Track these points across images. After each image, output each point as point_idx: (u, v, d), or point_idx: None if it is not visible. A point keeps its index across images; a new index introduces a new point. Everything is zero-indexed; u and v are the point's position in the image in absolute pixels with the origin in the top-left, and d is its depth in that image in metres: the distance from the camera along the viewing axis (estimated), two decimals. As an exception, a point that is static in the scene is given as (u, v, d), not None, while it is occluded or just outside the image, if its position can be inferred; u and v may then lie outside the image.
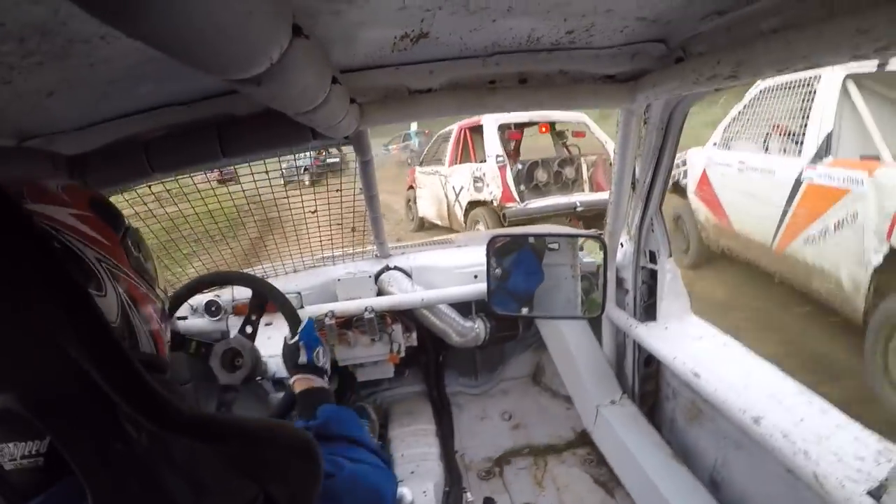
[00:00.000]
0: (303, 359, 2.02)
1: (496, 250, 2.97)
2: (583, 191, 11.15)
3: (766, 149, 7.52)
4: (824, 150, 6.28)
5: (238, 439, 0.87)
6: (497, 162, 10.80)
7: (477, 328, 3.59)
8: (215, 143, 2.05)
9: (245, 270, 3.47)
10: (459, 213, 12.34)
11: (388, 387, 4.12)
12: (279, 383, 2.53)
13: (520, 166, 11.07)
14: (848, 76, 6.02)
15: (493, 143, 11.04)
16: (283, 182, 3.04)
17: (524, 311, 3.00)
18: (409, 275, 3.60)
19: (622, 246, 2.92)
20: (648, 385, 3.16)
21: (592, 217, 10.28)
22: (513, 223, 9.73)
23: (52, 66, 1.10)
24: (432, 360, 4.06)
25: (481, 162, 11.47)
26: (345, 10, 1.24)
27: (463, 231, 11.73)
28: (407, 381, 4.12)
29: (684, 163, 9.54)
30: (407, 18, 1.41)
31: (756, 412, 2.00)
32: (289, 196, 3.19)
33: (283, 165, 3.02)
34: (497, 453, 3.71)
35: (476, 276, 3.51)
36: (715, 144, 8.84)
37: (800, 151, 6.66)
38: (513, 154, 11.66)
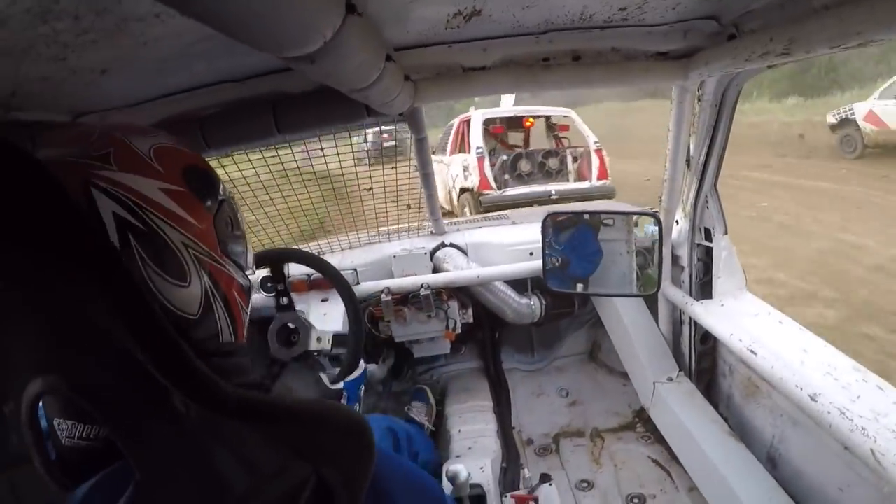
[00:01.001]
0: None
1: (552, 227, 2.97)
2: (567, 180, 11.89)
3: None
4: None
5: (289, 421, 0.88)
6: (476, 153, 11.71)
7: (533, 305, 3.60)
8: (270, 120, 2.07)
9: (301, 247, 3.51)
10: (455, 198, 13.08)
11: (445, 363, 4.15)
12: (335, 359, 2.56)
13: (505, 157, 11.71)
14: None
15: (476, 136, 12.00)
16: (352, 160, 3.05)
17: (579, 288, 2.99)
18: (464, 251, 3.61)
19: (677, 223, 2.91)
20: (705, 362, 3.14)
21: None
22: (489, 208, 10.05)
23: (107, 44, 1.11)
24: (488, 337, 4.07)
25: (470, 153, 12.22)
26: (398, -13, 1.25)
27: (458, 213, 12.49)
28: (463, 357, 4.15)
29: (852, 111, 16.95)
30: (460, -4, 1.41)
31: (812, 389, 1.99)
32: (343, 173, 3.20)
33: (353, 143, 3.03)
34: (554, 430, 3.71)
35: (531, 254, 3.51)
36: (874, 99, 16.37)
37: None
38: (502, 145, 12.39)
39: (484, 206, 10.83)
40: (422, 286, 3.27)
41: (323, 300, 2.95)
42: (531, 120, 12.80)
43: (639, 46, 2.00)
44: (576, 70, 2.05)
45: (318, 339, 2.40)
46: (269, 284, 2.96)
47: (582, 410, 3.85)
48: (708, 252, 2.80)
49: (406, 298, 3.43)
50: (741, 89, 2.25)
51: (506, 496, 2.51)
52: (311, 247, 3.60)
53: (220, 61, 1.65)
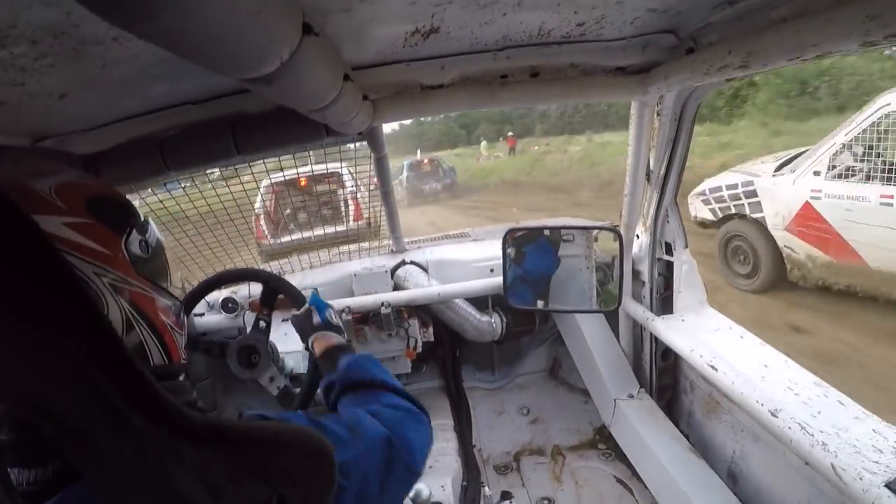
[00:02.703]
0: (317, 319, 2.00)
1: (512, 243, 2.97)
2: (343, 224, 12.34)
3: None
4: None
5: (250, 445, 0.87)
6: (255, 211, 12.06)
7: (493, 322, 3.59)
8: (229, 141, 2.06)
9: (261, 267, 3.49)
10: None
11: (406, 382, 4.09)
12: (296, 379, 2.53)
13: (288, 211, 12.29)
14: None
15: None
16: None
17: (540, 304, 2.99)
18: (425, 269, 3.60)
19: (638, 237, 2.91)
20: (666, 378, 3.15)
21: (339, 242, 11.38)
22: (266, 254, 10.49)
23: (65, 68, 1.10)
24: (449, 355, 4.04)
25: None
26: (355, 7, 1.24)
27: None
28: (424, 376, 4.12)
29: (751, 192, 8.59)
30: (418, 14, 1.41)
31: (773, 405, 2.00)
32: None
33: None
34: (515, 448, 3.71)
35: (492, 270, 3.50)
36: (818, 174, 7.61)
37: None
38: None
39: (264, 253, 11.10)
40: (382, 304, 3.23)
41: (284, 320, 2.93)
42: (302, 180, 13.14)
43: (597, 61, 2.00)
44: (534, 86, 2.05)
45: (272, 381, 2.41)
46: (229, 305, 2.91)
47: (543, 428, 3.84)
48: (669, 266, 2.82)
49: (367, 317, 3.40)
50: (700, 103, 2.26)
51: None
52: (272, 266, 3.58)
53: (178, 83, 1.64)
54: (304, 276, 3.58)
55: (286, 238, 10.93)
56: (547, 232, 3.10)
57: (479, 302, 3.59)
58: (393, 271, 3.54)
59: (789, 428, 1.90)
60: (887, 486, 1.58)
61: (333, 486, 0.99)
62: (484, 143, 46.53)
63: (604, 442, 3.54)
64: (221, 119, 2.03)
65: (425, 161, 29.27)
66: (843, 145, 7.31)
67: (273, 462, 0.89)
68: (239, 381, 2.50)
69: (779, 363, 2.27)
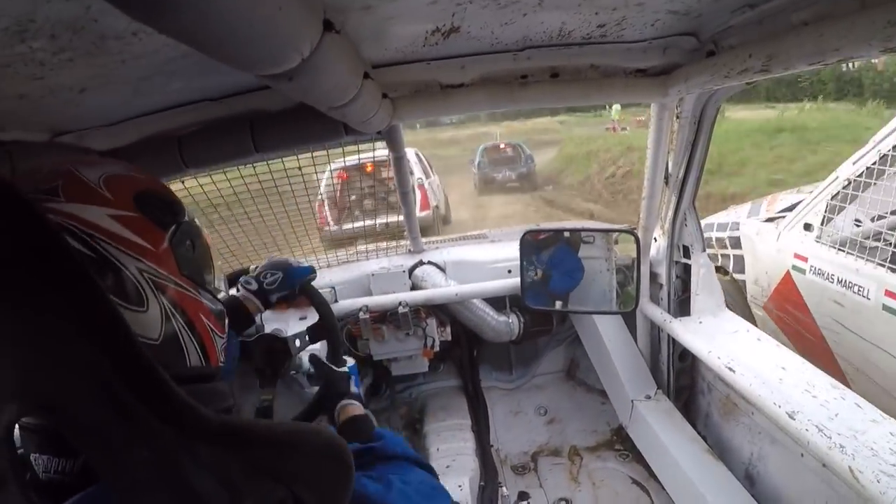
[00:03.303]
0: (354, 389, 2.04)
1: (530, 245, 2.97)
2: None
3: None
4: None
5: (267, 445, 0.87)
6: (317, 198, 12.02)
7: (511, 322, 3.59)
8: (248, 139, 2.07)
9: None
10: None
11: (423, 381, 4.13)
12: (313, 377, 2.53)
13: (353, 197, 12.20)
14: None
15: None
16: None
17: (558, 305, 2.99)
18: (442, 269, 3.60)
19: (656, 240, 2.91)
20: (683, 380, 3.14)
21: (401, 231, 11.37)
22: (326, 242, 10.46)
23: (84, 63, 1.10)
24: (466, 355, 4.05)
25: None
26: (376, 5, 1.24)
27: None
28: (441, 375, 4.13)
29: (736, 241, 5.36)
30: (438, 13, 1.41)
31: (791, 407, 1.99)
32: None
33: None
34: (532, 448, 3.71)
35: (510, 271, 3.50)
36: (809, 228, 4.35)
37: None
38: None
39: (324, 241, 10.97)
40: (400, 304, 3.25)
41: (301, 318, 2.93)
42: (369, 166, 12.90)
43: (617, 63, 2.00)
44: (554, 87, 2.06)
45: (296, 372, 2.42)
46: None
47: (560, 429, 3.83)
48: (686, 269, 2.81)
49: (384, 316, 3.41)
50: (720, 106, 2.26)
51: None
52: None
53: (197, 80, 1.64)
54: (321, 275, 3.57)
55: (349, 225, 10.90)
56: (566, 234, 3.10)
57: (497, 302, 3.60)
58: (411, 271, 3.55)
59: (807, 430, 1.90)
60: (905, 488, 1.58)
61: (350, 488, 0.98)
62: (616, 106, 32.15)
63: (621, 443, 3.53)
64: (240, 116, 2.03)
65: (502, 146, 26.77)
66: (851, 182, 3.99)
67: (289, 462, 0.89)
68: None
69: (796, 365, 2.26)
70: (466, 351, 4.03)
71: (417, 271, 3.54)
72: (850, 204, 3.92)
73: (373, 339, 3.41)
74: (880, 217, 3.85)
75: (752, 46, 1.48)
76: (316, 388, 2.32)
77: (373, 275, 3.47)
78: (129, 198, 0.96)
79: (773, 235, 4.78)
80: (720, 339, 2.56)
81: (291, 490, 0.87)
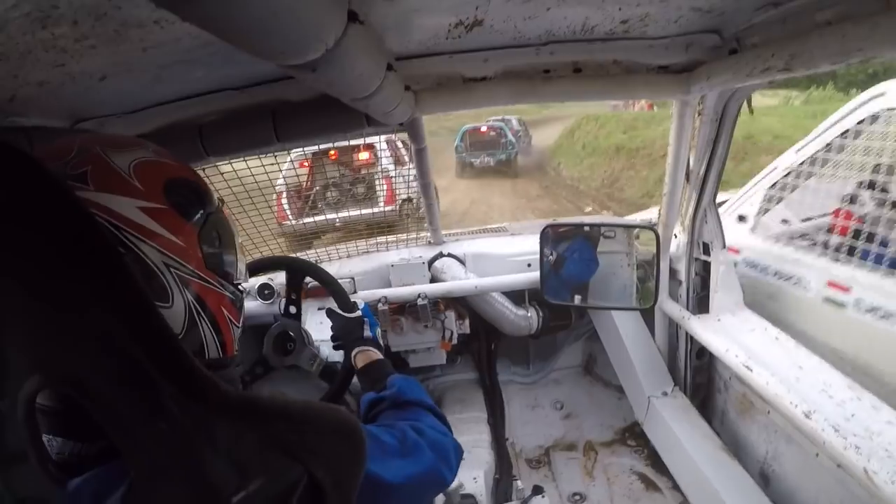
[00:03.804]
0: (368, 333, 2.03)
1: (550, 239, 2.97)
2: (378, 205, 11.79)
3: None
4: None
5: (282, 422, 0.88)
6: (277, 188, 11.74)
7: (530, 317, 3.59)
8: (270, 128, 2.07)
9: (298, 255, 3.51)
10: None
11: (441, 373, 4.15)
12: (328, 367, 2.55)
13: (317, 187, 11.89)
14: None
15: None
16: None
17: (577, 300, 2.99)
18: (462, 262, 3.60)
19: (676, 237, 2.91)
20: (700, 377, 3.14)
21: (367, 229, 10.94)
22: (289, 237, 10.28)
23: (106, 50, 1.10)
24: (484, 348, 4.06)
25: None
26: (400, -5, 1.25)
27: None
28: (459, 368, 4.14)
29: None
30: (462, 6, 1.42)
31: (807, 406, 1.99)
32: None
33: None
34: (548, 442, 3.73)
35: (529, 265, 3.50)
36: (743, 220, 3.88)
37: None
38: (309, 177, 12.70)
39: (284, 235, 10.72)
40: (419, 296, 3.26)
41: (319, 308, 2.94)
42: (333, 153, 12.53)
43: (640, 59, 2.00)
44: (576, 82, 2.05)
45: (311, 362, 2.42)
46: (265, 292, 2.93)
47: (576, 423, 3.85)
48: (706, 266, 2.81)
49: (403, 308, 3.42)
50: (742, 104, 2.25)
51: None
52: (309, 255, 3.60)
53: (219, 69, 1.65)
54: (341, 265, 3.59)
55: (311, 219, 10.72)
56: (587, 229, 3.10)
57: (516, 296, 3.59)
58: (430, 263, 3.55)
59: (822, 430, 1.90)
60: (919, 490, 1.58)
61: (363, 466, 0.99)
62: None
63: (636, 439, 3.55)
64: (262, 106, 2.04)
65: (483, 129, 25.23)
66: (792, 171, 3.64)
67: (304, 440, 0.90)
68: (272, 367, 2.53)
69: (813, 365, 2.26)
70: (484, 344, 4.04)
71: (437, 263, 3.54)
72: (792, 193, 3.58)
73: (391, 330, 3.42)
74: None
75: (775, 45, 1.47)
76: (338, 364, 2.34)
77: (392, 266, 3.47)
78: (159, 187, 0.96)
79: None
80: (738, 338, 2.55)
81: (307, 470, 0.87)
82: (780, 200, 3.71)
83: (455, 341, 3.55)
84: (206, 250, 1.04)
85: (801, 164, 3.51)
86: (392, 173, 12.04)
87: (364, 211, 10.95)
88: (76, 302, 0.72)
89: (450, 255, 3.58)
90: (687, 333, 3.01)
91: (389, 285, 3.44)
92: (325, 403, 1.02)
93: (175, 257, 0.95)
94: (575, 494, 3.21)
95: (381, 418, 1.52)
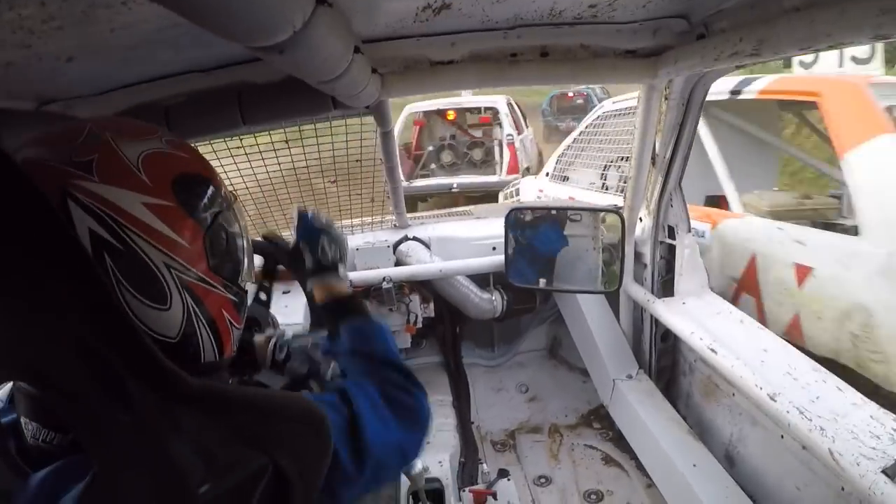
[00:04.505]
0: (308, 262, 1.69)
1: (515, 222, 2.98)
2: (495, 173, 12.01)
3: (605, 184, 6.31)
4: None
5: (247, 412, 0.87)
6: None
7: (494, 300, 3.62)
8: (236, 111, 2.05)
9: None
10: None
11: (405, 357, 4.09)
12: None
13: (431, 148, 11.72)
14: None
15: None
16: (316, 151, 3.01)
17: (542, 283, 2.99)
18: (427, 245, 3.62)
19: (641, 220, 2.92)
20: (665, 360, 3.17)
21: (480, 198, 11.05)
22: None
23: (73, 31, 1.09)
24: (449, 332, 4.07)
25: None
26: (368, -23, 1.24)
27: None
28: (424, 351, 4.15)
29: (517, 192, 9.30)
30: (430, -12, 1.41)
31: (772, 389, 2.01)
32: (308, 165, 3.16)
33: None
34: (513, 425, 3.75)
35: (494, 248, 3.51)
36: (548, 175, 8.03)
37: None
38: (461, 132, 12.72)
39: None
40: (384, 279, 3.26)
41: (285, 292, 2.93)
42: (451, 113, 12.59)
43: (607, 44, 2.01)
44: (543, 66, 2.06)
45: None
46: None
47: (541, 406, 3.87)
48: (671, 250, 2.82)
49: (368, 291, 3.42)
50: (708, 89, 2.26)
51: (464, 490, 2.52)
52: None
53: (186, 51, 1.63)
54: (303, 248, 3.58)
55: (422, 182, 10.47)
56: (553, 212, 3.11)
57: (481, 279, 3.62)
58: (395, 246, 3.56)
59: (787, 412, 1.91)
60: (884, 471, 1.59)
61: (329, 455, 0.98)
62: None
63: (601, 422, 3.57)
64: (228, 88, 2.01)
65: (570, 94, 23.51)
66: (567, 146, 7.59)
67: (268, 429, 0.89)
68: None
69: (778, 348, 2.28)
70: (449, 327, 4.05)
71: (402, 247, 3.55)
72: (565, 159, 7.65)
73: (356, 314, 3.38)
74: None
75: (743, 30, 1.48)
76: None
77: (357, 249, 3.46)
78: (167, 183, 0.93)
79: (532, 182, 8.70)
80: (703, 321, 2.57)
81: (272, 459, 0.86)
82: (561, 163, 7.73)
83: (420, 325, 3.58)
84: (212, 252, 1.00)
85: (570, 143, 7.57)
86: (515, 140, 12.03)
87: (487, 178, 11.10)
88: (34, 292, 0.70)
89: (415, 238, 3.60)
90: (652, 316, 3.03)
91: (354, 269, 3.43)
92: (289, 392, 1.02)
93: (177, 258, 0.92)
94: (540, 477, 3.23)
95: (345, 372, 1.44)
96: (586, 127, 7.22)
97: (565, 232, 2.96)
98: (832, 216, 4.39)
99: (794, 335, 3.72)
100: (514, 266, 3.01)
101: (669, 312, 2.72)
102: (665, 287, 2.93)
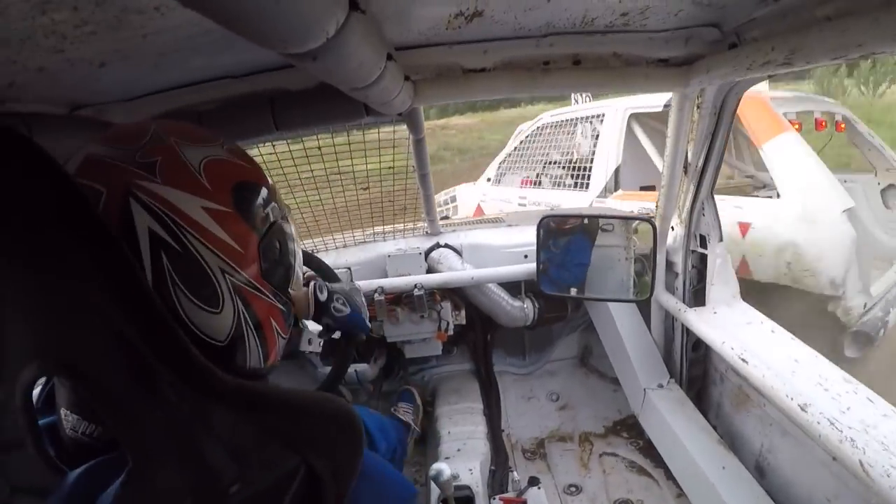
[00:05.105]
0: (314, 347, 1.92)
1: (547, 230, 2.98)
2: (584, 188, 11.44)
3: (538, 183, 8.53)
4: (613, 183, 7.18)
5: (281, 411, 0.88)
6: None
7: (526, 308, 3.60)
8: (269, 117, 2.07)
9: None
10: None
11: (436, 364, 4.15)
12: (326, 357, 2.54)
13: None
14: (631, 115, 7.14)
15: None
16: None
17: (573, 292, 2.99)
18: (459, 252, 3.61)
19: (673, 229, 2.91)
20: (696, 370, 3.15)
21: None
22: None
23: (105, 37, 1.09)
24: (480, 339, 4.06)
25: None
26: (400, -15, 1.25)
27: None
28: (455, 358, 4.15)
29: (453, 199, 10.57)
30: (462, -4, 1.41)
31: (803, 399, 2.00)
32: (341, 171, 3.18)
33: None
34: (543, 434, 3.72)
35: (526, 256, 3.51)
36: (489, 180, 9.84)
37: (587, 185, 7.51)
38: None
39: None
40: (415, 286, 3.27)
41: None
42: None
43: (640, 52, 2.00)
44: (576, 74, 2.05)
45: (310, 342, 2.40)
46: None
47: (572, 415, 3.85)
48: (702, 259, 2.81)
49: (399, 298, 3.42)
50: (741, 97, 2.25)
51: (494, 499, 2.51)
52: (305, 244, 3.59)
53: (218, 57, 1.65)
54: (338, 255, 3.60)
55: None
56: (585, 221, 3.11)
57: (512, 287, 3.60)
58: (427, 254, 3.56)
59: (818, 423, 1.90)
60: (914, 484, 1.59)
61: (361, 456, 0.99)
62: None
63: (632, 431, 3.55)
64: (261, 94, 2.03)
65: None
66: (508, 154, 9.61)
67: (302, 429, 0.90)
68: None
69: (809, 358, 2.26)
70: (480, 335, 4.04)
71: (434, 254, 3.55)
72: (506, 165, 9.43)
73: (387, 320, 3.43)
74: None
75: (775, 39, 1.48)
76: (328, 369, 2.32)
77: (389, 256, 3.48)
78: (227, 189, 0.96)
79: (469, 188, 10.19)
80: (734, 330, 2.56)
81: (304, 460, 0.88)
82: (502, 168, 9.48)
83: (451, 332, 3.56)
84: (266, 260, 1.02)
85: (509, 153, 9.39)
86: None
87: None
88: (73, 287, 0.72)
89: (446, 245, 3.60)
90: (683, 326, 3.01)
91: (386, 275, 3.46)
92: (322, 393, 1.03)
93: (232, 263, 0.94)
94: (571, 486, 3.22)
95: None
96: (526, 137, 9.15)
97: (597, 241, 2.95)
98: (749, 191, 6.61)
99: (743, 271, 5.57)
100: (545, 274, 3.01)
101: (701, 322, 2.71)
102: (696, 296, 2.91)
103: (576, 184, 7.63)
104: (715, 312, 2.74)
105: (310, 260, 2.35)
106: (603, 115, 7.39)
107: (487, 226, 4.10)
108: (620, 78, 2.07)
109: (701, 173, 2.55)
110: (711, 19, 1.80)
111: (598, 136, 7.47)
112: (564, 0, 1.53)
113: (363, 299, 2.08)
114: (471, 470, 2.79)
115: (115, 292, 0.73)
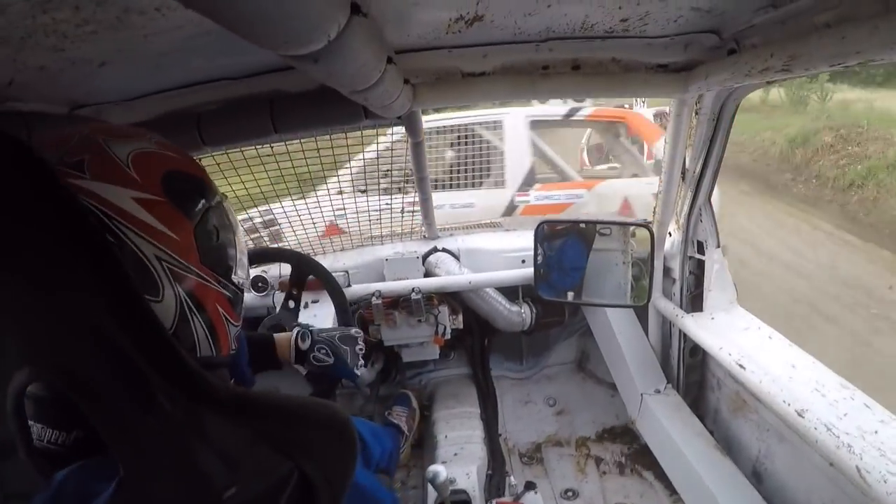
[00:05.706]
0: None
1: (544, 235, 2.98)
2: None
3: (439, 187, 8.34)
4: (530, 180, 7.84)
5: (273, 416, 0.88)
6: None
7: (523, 313, 3.60)
8: (267, 119, 2.07)
9: (292, 247, 3.51)
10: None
11: (434, 368, 4.15)
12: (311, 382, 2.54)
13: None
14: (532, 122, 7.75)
15: None
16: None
17: (570, 297, 3.00)
18: (456, 257, 3.60)
19: (670, 235, 2.91)
20: (693, 375, 3.15)
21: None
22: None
23: (106, 37, 1.10)
24: (478, 344, 4.06)
25: None
26: (401, -12, 1.25)
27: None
28: (452, 363, 4.15)
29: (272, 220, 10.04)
30: (462, 0, 1.42)
31: (800, 405, 2.00)
32: (339, 175, 3.18)
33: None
34: (540, 438, 3.72)
35: (524, 261, 3.49)
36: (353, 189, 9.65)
37: (503, 184, 7.94)
38: None
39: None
40: (413, 290, 3.27)
41: (313, 301, 2.95)
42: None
43: (639, 58, 2.01)
44: (575, 79, 2.06)
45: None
46: (259, 284, 2.93)
47: (569, 420, 3.85)
48: (700, 265, 2.82)
49: (397, 302, 3.42)
50: (739, 104, 2.26)
51: (491, 502, 2.51)
52: (303, 246, 3.59)
53: (219, 58, 1.65)
54: (335, 258, 3.59)
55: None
56: (582, 226, 3.11)
57: (510, 292, 3.60)
58: (424, 257, 3.55)
59: (815, 429, 1.90)
60: (912, 489, 1.59)
61: (355, 463, 0.99)
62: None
63: (629, 436, 3.55)
64: (260, 96, 2.03)
65: None
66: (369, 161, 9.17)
67: (296, 435, 0.90)
68: None
69: (806, 364, 2.27)
70: (478, 340, 4.04)
71: (431, 258, 3.54)
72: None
73: (385, 324, 3.42)
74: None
75: (774, 46, 1.48)
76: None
77: (387, 260, 3.48)
78: (156, 179, 0.95)
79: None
80: (731, 336, 2.56)
81: (297, 466, 0.88)
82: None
83: (448, 336, 3.55)
84: (204, 245, 1.02)
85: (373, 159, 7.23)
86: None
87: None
88: (66, 292, 0.72)
89: (444, 249, 3.59)
90: (680, 331, 3.01)
91: (383, 279, 3.46)
92: (316, 399, 1.03)
93: (168, 251, 0.94)
94: (567, 490, 3.22)
95: None
96: (385, 148, 8.31)
97: (595, 246, 2.96)
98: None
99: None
100: (542, 279, 3.02)
101: (698, 327, 2.71)
102: (694, 302, 2.92)
103: (482, 182, 8.12)
104: (712, 318, 2.75)
105: (317, 270, 2.35)
106: (501, 122, 7.93)
107: (485, 230, 4.10)
108: (619, 83, 2.07)
109: (699, 179, 2.55)
110: (711, 26, 1.81)
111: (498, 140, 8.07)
112: (564, 5, 1.54)
113: (359, 346, 2.10)
114: (468, 474, 2.79)
115: (108, 298, 0.74)
